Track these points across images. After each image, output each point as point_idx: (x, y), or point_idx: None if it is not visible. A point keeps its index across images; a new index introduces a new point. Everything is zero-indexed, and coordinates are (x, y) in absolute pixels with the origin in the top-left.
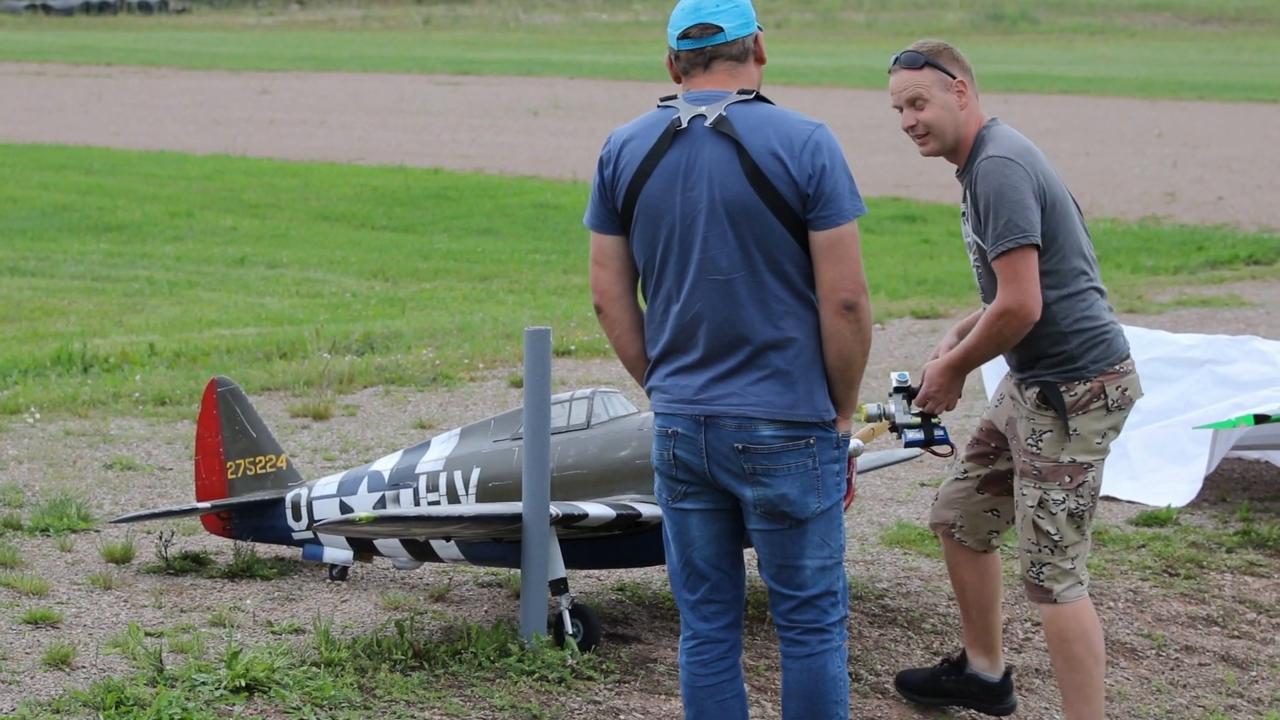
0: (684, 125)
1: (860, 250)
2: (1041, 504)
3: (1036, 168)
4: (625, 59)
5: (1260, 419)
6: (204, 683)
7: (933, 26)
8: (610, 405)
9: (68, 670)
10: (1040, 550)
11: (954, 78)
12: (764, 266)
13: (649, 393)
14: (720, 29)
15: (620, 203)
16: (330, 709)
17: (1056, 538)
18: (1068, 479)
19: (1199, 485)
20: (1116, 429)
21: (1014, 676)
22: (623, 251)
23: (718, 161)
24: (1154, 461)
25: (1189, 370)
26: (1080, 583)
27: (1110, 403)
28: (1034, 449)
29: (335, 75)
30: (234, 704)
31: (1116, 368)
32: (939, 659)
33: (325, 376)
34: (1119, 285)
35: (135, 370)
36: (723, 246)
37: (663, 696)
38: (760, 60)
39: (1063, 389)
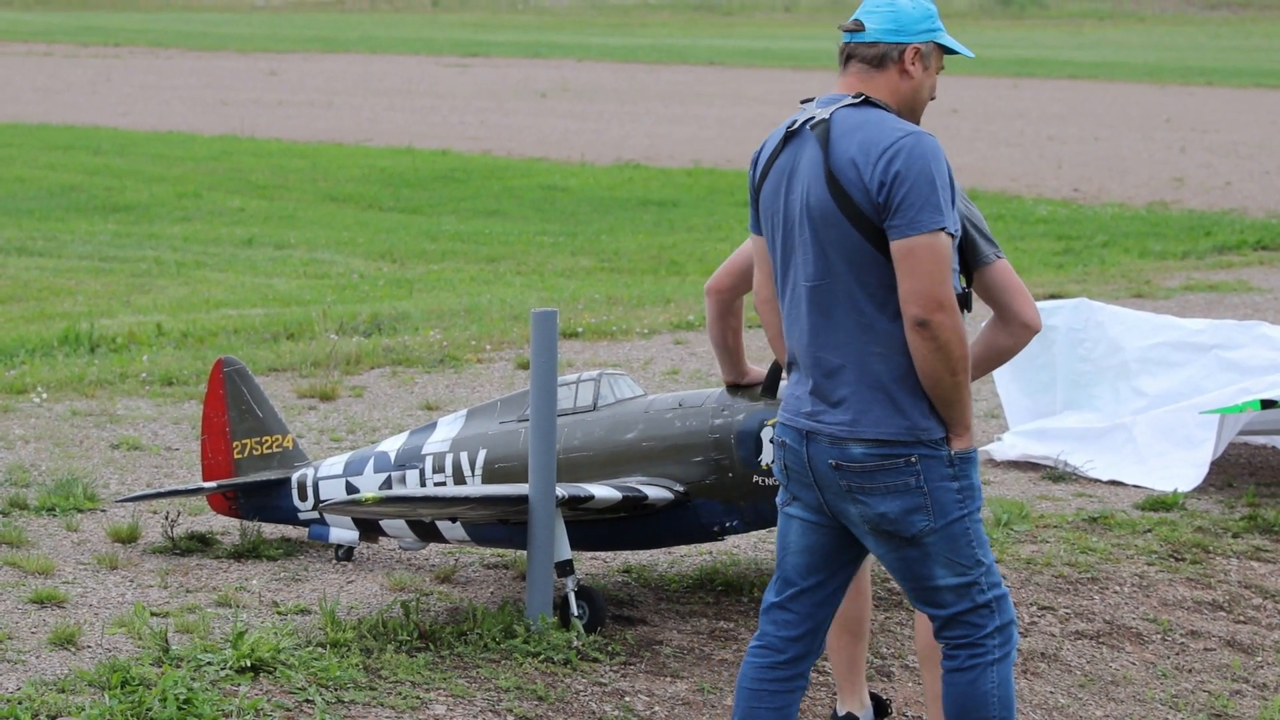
0: (797, 127)
1: (939, 265)
2: None
3: None
4: (634, 41)
5: (1267, 404)
6: (209, 663)
7: (943, 10)
8: (617, 388)
9: (73, 650)
10: None
11: None
12: (847, 276)
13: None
14: (863, 27)
15: (753, 204)
16: (335, 689)
17: None
18: None
19: (1205, 470)
20: None
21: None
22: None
23: (811, 165)
24: (1160, 446)
25: (1196, 355)
26: None
27: None
28: None
29: (343, 57)
30: (239, 684)
31: None
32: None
33: (332, 357)
34: (1126, 270)
35: (142, 350)
36: (809, 254)
37: (668, 678)
38: (904, 73)
39: None
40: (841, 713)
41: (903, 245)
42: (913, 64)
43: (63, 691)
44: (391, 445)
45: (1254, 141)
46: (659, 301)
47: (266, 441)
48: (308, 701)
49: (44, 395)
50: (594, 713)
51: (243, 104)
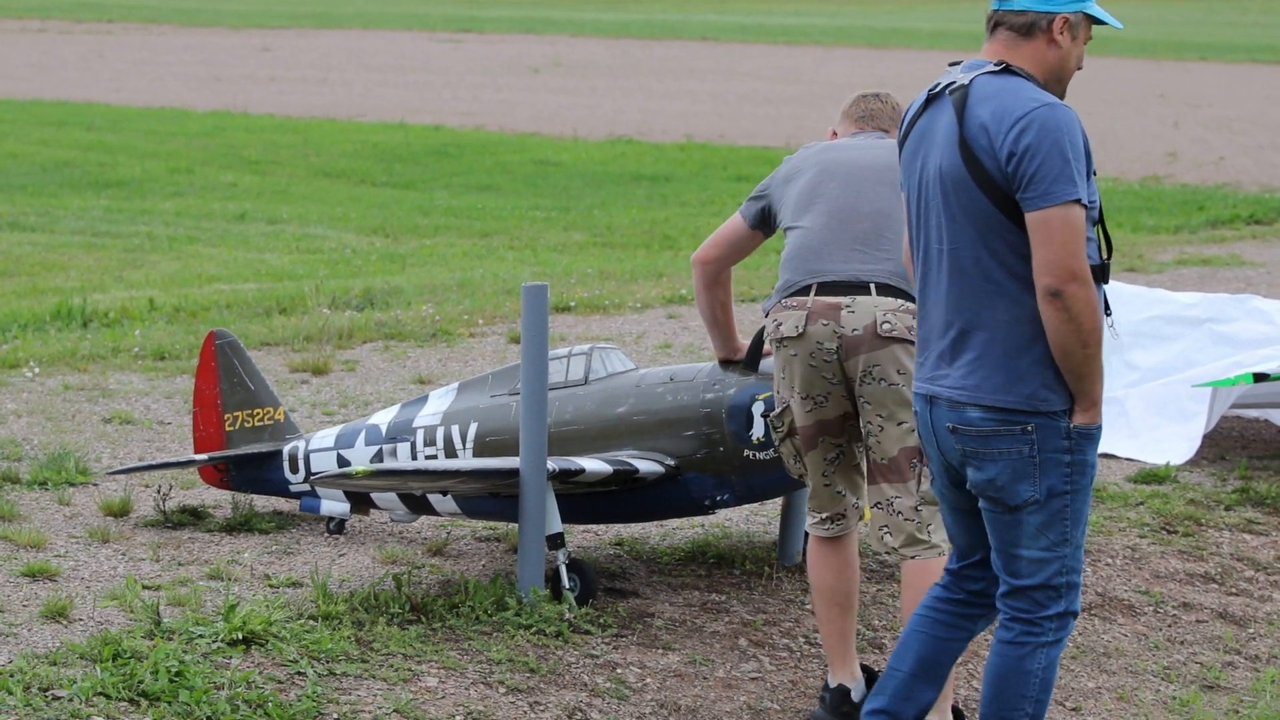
0: (938, 91)
1: (1073, 236)
2: None
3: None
4: (627, 17)
5: (1259, 377)
6: (201, 636)
7: None
8: (608, 361)
9: (65, 623)
10: None
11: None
12: (977, 241)
13: None
14: None
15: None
16: (327, 662)
17: None
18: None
19: (1198, 443)
20: (788, 366)
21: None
22: None
23: (946, 131)
24: (1153, 419)
25: (1189, 329)
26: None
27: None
28: None
29: (336, 32)
30: (231, 657)
31: (776, 305)
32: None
33: (325, 332)
34: (1120, 244)
35: (135, 325)
36: (941, 219)
37: (659, 650)
38: (1052, 43)
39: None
40: (833, 684)
41: (1037, 217)
42: (1061, 33)
43: (54, 664)
44: (383, 418)
45: (1247, 116)
46: (651, 276)
47: (258, 414)
48: (299, 674)
49: (36, 370)
50: (586, 685)
51: (236, 80)
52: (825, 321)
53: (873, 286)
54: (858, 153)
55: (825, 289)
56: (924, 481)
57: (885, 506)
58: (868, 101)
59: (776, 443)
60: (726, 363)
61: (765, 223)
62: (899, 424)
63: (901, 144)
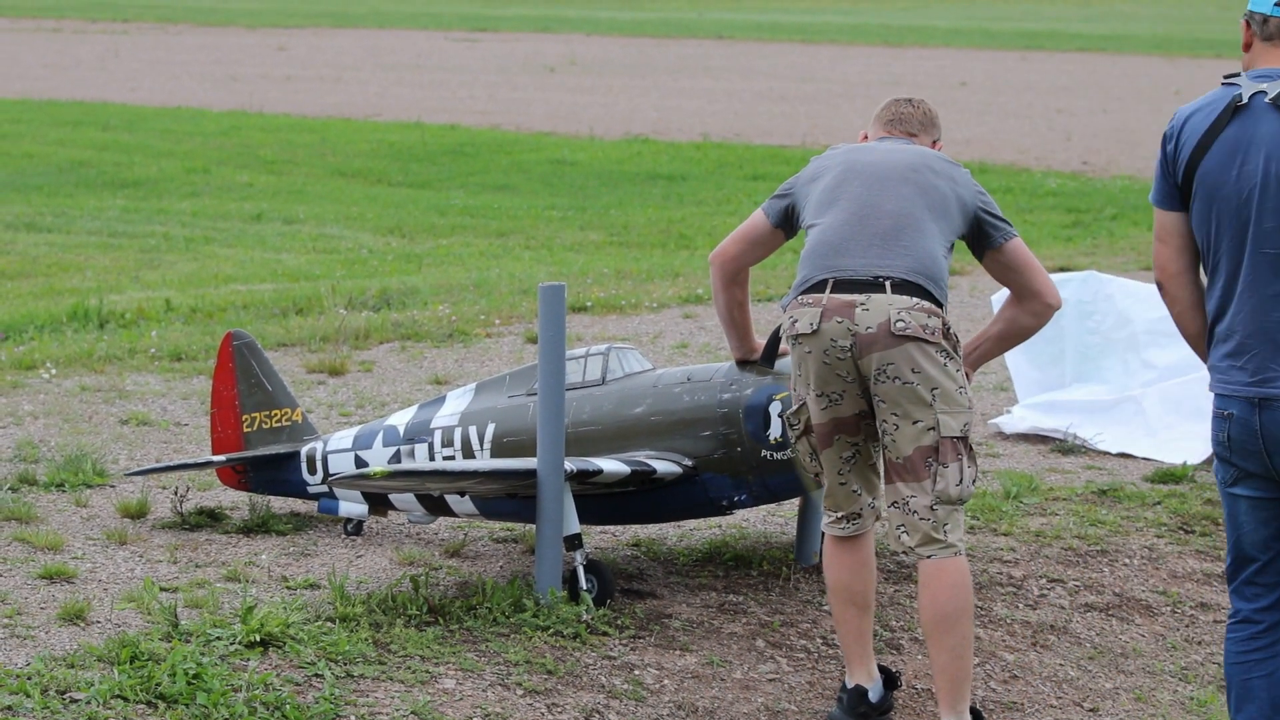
0: (1244, 101)
1: None
2: None
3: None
4: (642, 15)
5: None
6: (219, 638)
7: None
8: (626, 361)
9: (83, 625)
10: None
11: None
12: None
13: (1209, 371)
14: None
15: (1180, 178)
16: (345, 664)
17: None
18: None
19: None
20: (803, 363)
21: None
22: (1183, 228)
23: (1274, 136)
24: (1170, 418)
25: None
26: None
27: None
28: None
29: (352, 31)
30: (249, 659)
31: (793, 301)
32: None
33: (341, 332)
34: (1136, 243)
35: (151, 326)
36: (1275, 222)
37: (677, 651)
38: None
39: None
40: (850, 685)
41: None
42: None
43: (72, 667)
44: (400, 419)
45: None
46: (668, 275)
47: (276, 415)
48: (317, 676)
49: (53, 371)
50: (603, 686)
51: (251, 79)
52: (840, 319)
53: (888, 284)
54: (883, 155)
55: (841, 286)
56: (939, 481)
57: (901, 506)
58: (899, 106)
59: (792, 440)
60: (744, 363)
61: (788, 222)
62: (914, 423)
63: (1196, 156)
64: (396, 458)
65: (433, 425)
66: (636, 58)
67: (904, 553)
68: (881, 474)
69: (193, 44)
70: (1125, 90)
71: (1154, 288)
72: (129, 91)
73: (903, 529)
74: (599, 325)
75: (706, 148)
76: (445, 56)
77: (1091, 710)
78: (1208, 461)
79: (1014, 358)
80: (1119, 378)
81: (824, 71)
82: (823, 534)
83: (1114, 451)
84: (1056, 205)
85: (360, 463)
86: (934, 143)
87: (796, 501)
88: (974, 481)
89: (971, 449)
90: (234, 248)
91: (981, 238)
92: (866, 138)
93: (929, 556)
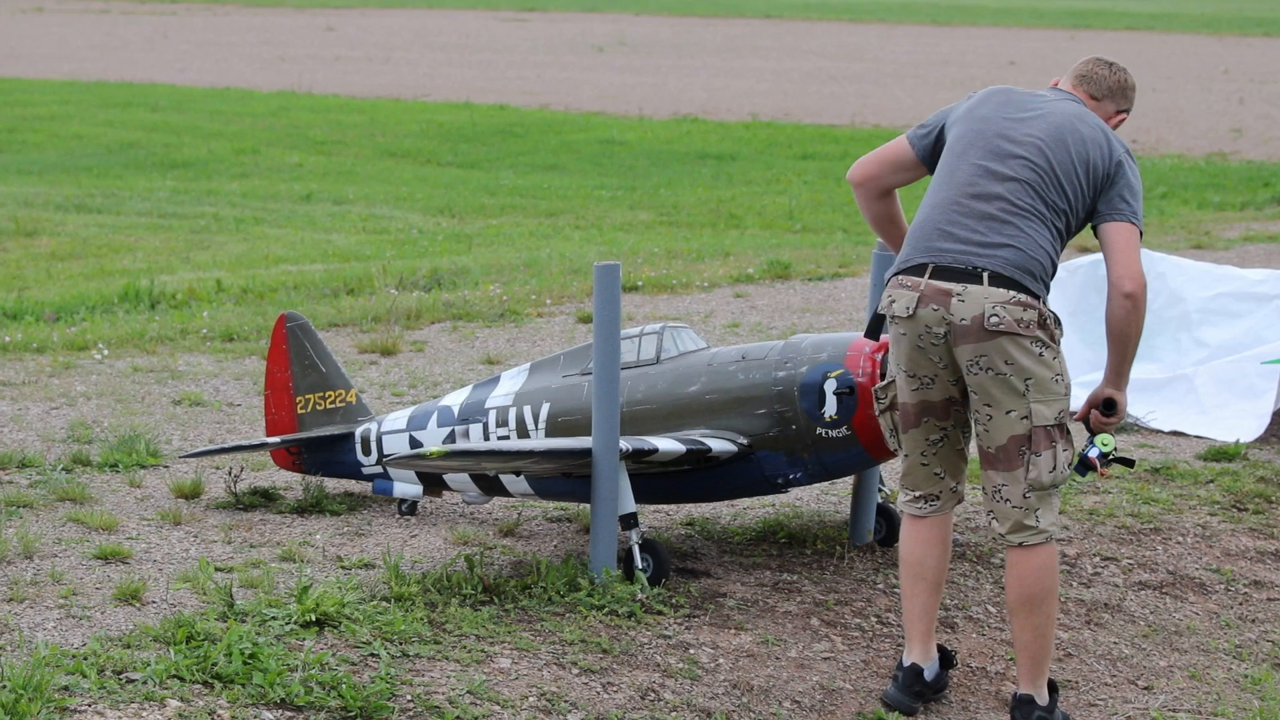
0: None
1: None
2: None
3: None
4: None
5: None
6: (274, 617)
7: None
8: (680, 340)
9: (138, 605)
10: None
11: None
12: None
13: None
14: None
15: None
16: (400, 643)
17: None
18: None
19: (1267, 420)
20: (897, 344)
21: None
22: None
23: None
24: (1222, 396)
25: (1257, 305)
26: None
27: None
28: None
29: (401, 12)
30: (304, 638)
31: (893, 278)
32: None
33: (392, 313)
34: (1185, 221)
35: (203, 307)
36: None
37: (732, 631)
38: None
39: None
40: (906, 663)
41: None
42: None
43: (128, 647)
44: (455, 399)
45: None
46: (718, 255)
47: (330, 396)
48: (373, 655)
49: (105, 352)
50: (658, 665)
51: (300, 60)
52: (935, 307)
53: (985, 275)
54: (1030, 114)
55: (939, 273)
56: (1032, 470)
57: (993, 494)
58: (1094, 65)
59: (877, 413)
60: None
61: (931, 159)
62: (1008, 413)
63: None
64: (451, 438)
65: (487, 405)
66: (685, 37)
67: (995, 538)
68: (967, 459)
69: (241, 25)
70: (1174, 69)
71: (1206, 266)
72: (177, 73)
73: (993, 516)
74: (650, 305)
75: (755, 127)
76: (494, 36)
77: (1146, 688)
78: (1260, 439)
79: (1067, 337)
80: (1171, 356)
81: (872, 51)
82: (879, 512)
83: (1166, 430)
84: None
85: (415, 443)
86: (1117, 112)
87: (851, 480)
88: (1069, 465)
89: (1068, 432)
90: (284, 228)
91: (1095, 214)
92: (1057, 84)
93: (1020, 544)
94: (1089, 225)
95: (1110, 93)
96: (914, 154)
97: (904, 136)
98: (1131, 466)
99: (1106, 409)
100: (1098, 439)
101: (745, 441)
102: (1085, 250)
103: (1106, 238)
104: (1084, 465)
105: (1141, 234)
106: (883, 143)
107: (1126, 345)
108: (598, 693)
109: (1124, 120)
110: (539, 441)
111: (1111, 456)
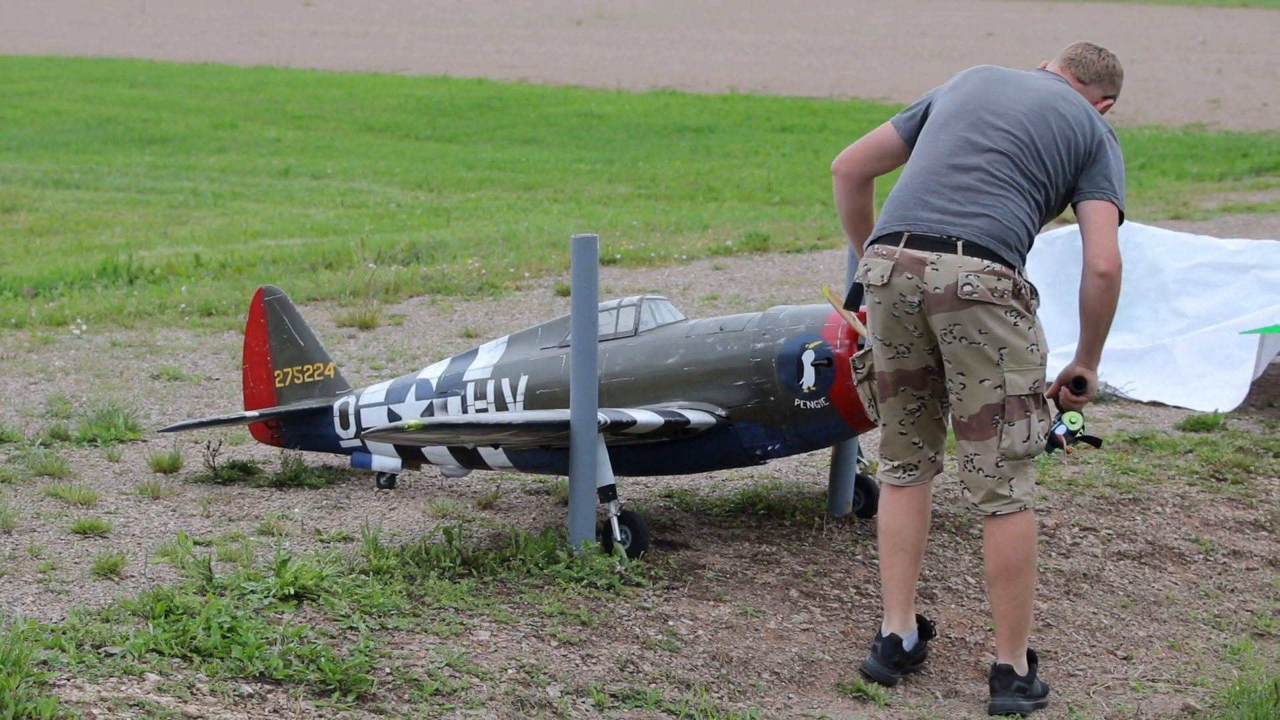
0: None
1: None
2: None
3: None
4: None
5: None
6: (253, 591)
7: None
8: (658, 312)
9: (117, 579)
10: None
11: None
12: None
13: None
14: None
15: None
16: (379, 616)
17: None
18: None
19: (1246, 390)
20: (873, 312)
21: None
22: None
23: None
24: (1201, 366)
25: (1235, 275)
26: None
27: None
28: None
29: None
30: (283, 612)
31: (870, 247)
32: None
33: (371, 286)
34: (1164, 192)
35: (181, 281)
36: None
37: (710, 602)
38: None
39: None
40: (885, 634)
41: None
42: None
43: (107, 621)
44: (433, 372)
45: None
46: (697, 228)
47: (308, 370)
48: (352, 628)
49: (83, 327)
50: (637, 637)
51: (278, 34)
52: (909, 275)
53: (960, 244)
54: (1014, 91)
55: (914, 241)
56: (1005, 439)
57: (966, 463)
58: (1083, 50)
59: (855, 383)
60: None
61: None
62: (981, 382)
63: None
64: (429, 411)
65: (465, 378)
66: (663, 10)
67: (968, 508)
68: (945, 429)
69: (219, 0)
70: (1152, 39)
71: (1185, 236)
72: (155, 48)
73: (965, 486)
74: (628, 277)
75: (734, 100)
76: (472, 10)
77: (1125, 658)
78: (1239, 409)
79: (1044, 308)
80: (1150, 326)
81: (851, 23)
82: (857, 483)
83: (1145, 400)
84: None
85: (394, 416)
86: (1104, 98)
87: (829, 451)
88: (1042, 436)
89: (1043, 402)
90: (262, 203)
91: (1076, 191)
92: (1045, 67)
93: (993, 513)
94: (1070, 204)
95: (1098, 77)
96: (899, 138)
97: (889, 123)
98: (1098, 446)
99: (1076, 387)
100: (1066, 417)
101: (723, 413)
102: (1065, 222)
103: (1085, 216)
104: (1052, 442)
105: (1123, 215)
106: (860, 114)
107: (1099, 324)
108: (577, 665)
109: (1110, 106)
110: (517, 414)
111: (1079, 435)
